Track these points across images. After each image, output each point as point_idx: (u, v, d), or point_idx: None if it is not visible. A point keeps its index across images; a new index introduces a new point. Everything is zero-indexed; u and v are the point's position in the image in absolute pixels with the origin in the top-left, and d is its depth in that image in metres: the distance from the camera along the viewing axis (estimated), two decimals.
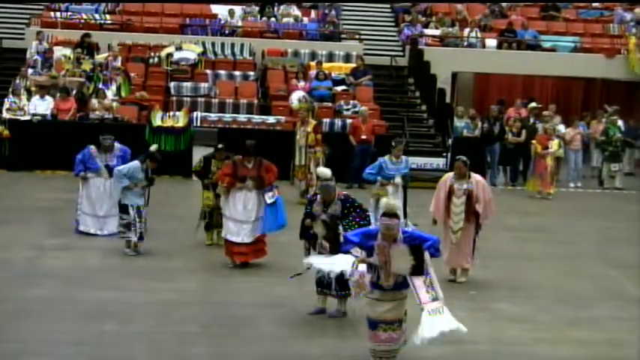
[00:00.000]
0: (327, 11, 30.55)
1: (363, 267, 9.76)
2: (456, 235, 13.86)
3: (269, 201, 14.09)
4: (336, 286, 11.59)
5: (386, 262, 9.50)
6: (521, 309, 12.85)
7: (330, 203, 11.67)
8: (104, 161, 16.20)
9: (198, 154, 22.66)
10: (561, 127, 26.20)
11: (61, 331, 10.99)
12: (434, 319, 9.49)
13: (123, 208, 14.93)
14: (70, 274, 13.62)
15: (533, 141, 23.76)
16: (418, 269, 9.45)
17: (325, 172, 11.89)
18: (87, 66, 25.78)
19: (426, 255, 9.51)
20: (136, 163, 15.05)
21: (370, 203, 15.77)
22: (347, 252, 9.88)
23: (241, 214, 14.11)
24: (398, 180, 15.56)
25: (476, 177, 13.93)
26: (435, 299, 9.57)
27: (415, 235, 9.75)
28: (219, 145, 15.64)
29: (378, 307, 9.64)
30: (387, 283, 9.60)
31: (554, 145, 23.44)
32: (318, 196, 11.83)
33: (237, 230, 14.12)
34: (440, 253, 10.05)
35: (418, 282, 9.52)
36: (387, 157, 15.71)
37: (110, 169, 15.98)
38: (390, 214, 9.48)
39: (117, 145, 16.37)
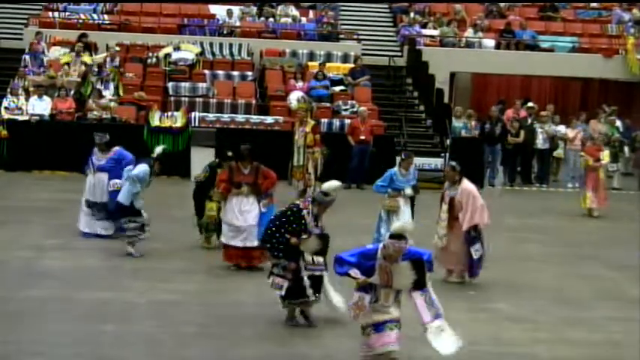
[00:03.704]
0: (323, 14, 30.51)
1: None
2: (441, 240, 13.95)
3: (262, 210, 14.07)
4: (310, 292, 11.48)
5: (387, 281, 9.46)
6: (520, 309, 12.86)
7: (320, 216, 11.46)
8: (96, 158, 16.16)
9: (197, 154, 22.86)
10: (561, 128, 26.22)
11: (60, 331, 10.99)
12: (438, 337, 9.43)
13: (134, 211, 14.83)
14: (68, 275, 13.62)
15: (582, 153, 21.98)
16: (420, 283, 9.42)
17: (336, 185, 11.47)
18: (87, 59, 25.79)
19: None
20: (146, 167, 14.91)
21: (381, 215, 15.67)
22: (344, 273, 9.76)
23: (237, 219, 14.04)
24: (408, 191, 15.44)
25: (464, 184, 13.95)
26: (436, 316, 9.50)
27: (412, 252, 9.67)
28: (229, 153, 14.81)
29: (381, 307, 9.57)
30: (385, 303, 9.55)
31: (605, 156, 21.41)
32: (305, 211, 11.36)
33: (232, 234, 14.08)
34: (433, 268, 9.97)
35: (419, 301, 9.46)
36: (396, 169, 15.62)
37: (94, 167, 16.00)
38: (400, 236, 9.43)
39: (117, 149, 16.15)
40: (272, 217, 11.71)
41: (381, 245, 9.55)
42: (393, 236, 9.42)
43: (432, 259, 9.78)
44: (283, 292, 11.41)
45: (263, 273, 13.78)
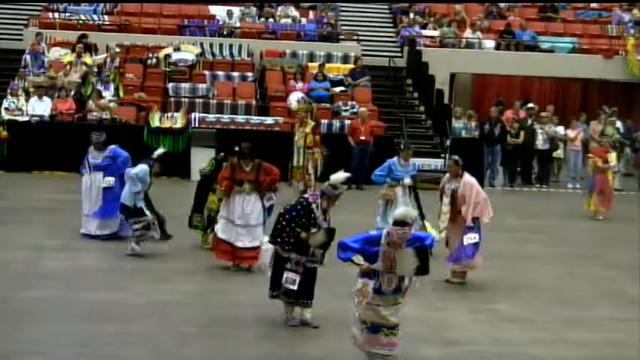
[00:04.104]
0: (323, 14, 30.53)
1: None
2: (441, 235, 13.91)
3: (266, 204, 14.06)
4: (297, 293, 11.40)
5: (391, 267, 9.46)
6: (520, 309, 12.85)
7: (328, 209, 11.40)
8: (92, 157, 16.15)
9: (197, 155, 22.87)
10: (560, 129, 26.21)
11: (60, 331, 10.98)
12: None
13: (139, 212, 14.82)
14: (69, 275, 13.62)
15: (590, 155, 21.67)
16: (423, 269, 9.44)
17: (344, 177, 11.40)
18: (88, 60, 25.80)
19: None
20: (146, 166, 14.90)
21: (378, 204, 15.64)
22: (347, 259, 9.78)
23: (239, 217, 14.01)
24: (407, 181, 15.38)
25: (466, 178, 13.94)
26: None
27: (415, 236, 9.69)
28: (236, 148, 14.54)
29: (382, 312, 9.59)
30: (388, 288, 9.56)
31: (613, 158, 21.18)
32: (314, 205, 11.28)
33: (229, 231, 14.04)
34: (432, 251, 10.01)
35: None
36: (395, 160, 15.57)
37: (90, 166, 15.99)
38: (403, 223, 9.43)
39: (112, 147, 16.21)
40: (281, 212, 11.55)
41: (384, 232, 9.55)
42: (396, 223, 9.42)
43: (433, 244, 9.82)
44: (296, 287, 11.26)
45: (262, 273, 13.81)
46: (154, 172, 15.08)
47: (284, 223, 11.30)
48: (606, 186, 20.87)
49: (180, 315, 11.84)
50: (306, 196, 11.64)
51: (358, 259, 9.53)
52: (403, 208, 9.89)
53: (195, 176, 21.07)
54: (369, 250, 9.51)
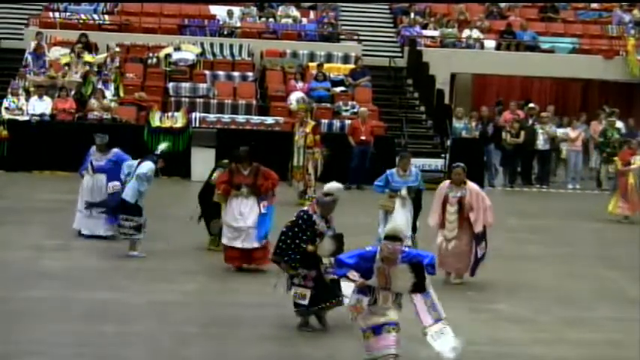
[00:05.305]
0: (324, 14, 30.53)
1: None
2: (451, 243, 13.90)
3: (262, 210, 14.00)
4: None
5: (386, 284, 9.43)
6: (520, 310, 12.84)
7: (327, 217, 11.29)
8: (95, 159, 16.10)
9: (197, 154, 22.89)
10: (564, 130, 26.16)
11: (60, 331, 10.97)
12: (438, 340, 9.37)
13: (136, 210, 14.77)
14: (68, 275, 13.61)
15: (616, 158, 21.61)
16: (419, 287, 9.37)
17: (337, 186, 11.36)
18: (89, 58, 25.82)
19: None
20: (152, 164, 14.80)
21: (379, 214, 15.61)
22: (343, 275, 9.74)
23: (236, 220, 13.99)
24: (404, 192, 15.35)
25: (471, 185, 13.93)
26: (437, 320, 9.47)
27: (412, 254, 9.62)
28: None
29: (381, 310, 9.53)
30: (385, 305, 9.51)
31: (638, 160, 20.74)
32: (315, 215, 11.20)
33: (232, 236, 14.03)
34: (436, 271, 9.95)
35: (420, 304, 9.41)
36: (394, 170, 15.54)
37: (94, 168, 15.95)
38: (394, 238, 9.40)
39: (115, 150, 16.12)
40: (283, 230, 11.41)
41: (378, 248, 9.53)
42: (387, 237, 9.40)
43: (434, 263, 9.73)
44: (307, 302, 11.18)
45: (264, 274, 13.83)
46: (158, 167, 15.03)
47: (288, 241, 11.20)
48: (626, 190, 20.57)
49: (180, 315, 11.83)
50: (305, 209, 11.53)
51: (353, 274, 9.48)
52: (394, 223, 9.87)
53: (196, 176, 21.14)
54: (364, 266, 9.44)
